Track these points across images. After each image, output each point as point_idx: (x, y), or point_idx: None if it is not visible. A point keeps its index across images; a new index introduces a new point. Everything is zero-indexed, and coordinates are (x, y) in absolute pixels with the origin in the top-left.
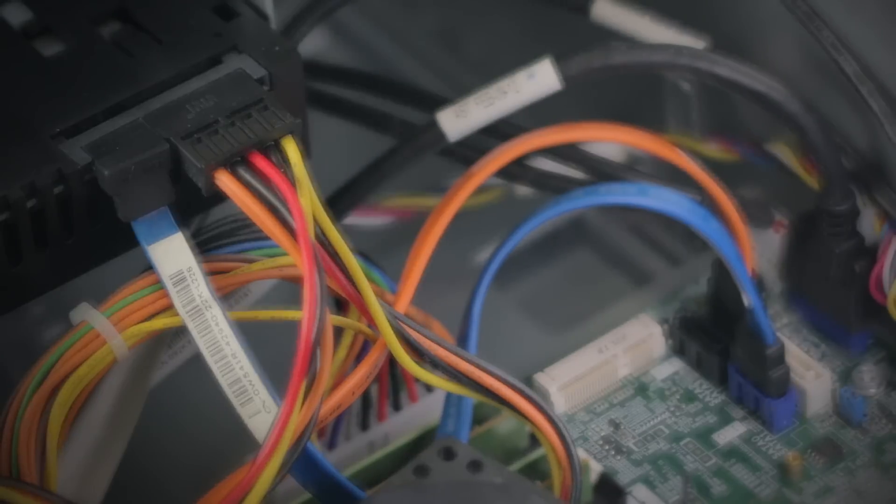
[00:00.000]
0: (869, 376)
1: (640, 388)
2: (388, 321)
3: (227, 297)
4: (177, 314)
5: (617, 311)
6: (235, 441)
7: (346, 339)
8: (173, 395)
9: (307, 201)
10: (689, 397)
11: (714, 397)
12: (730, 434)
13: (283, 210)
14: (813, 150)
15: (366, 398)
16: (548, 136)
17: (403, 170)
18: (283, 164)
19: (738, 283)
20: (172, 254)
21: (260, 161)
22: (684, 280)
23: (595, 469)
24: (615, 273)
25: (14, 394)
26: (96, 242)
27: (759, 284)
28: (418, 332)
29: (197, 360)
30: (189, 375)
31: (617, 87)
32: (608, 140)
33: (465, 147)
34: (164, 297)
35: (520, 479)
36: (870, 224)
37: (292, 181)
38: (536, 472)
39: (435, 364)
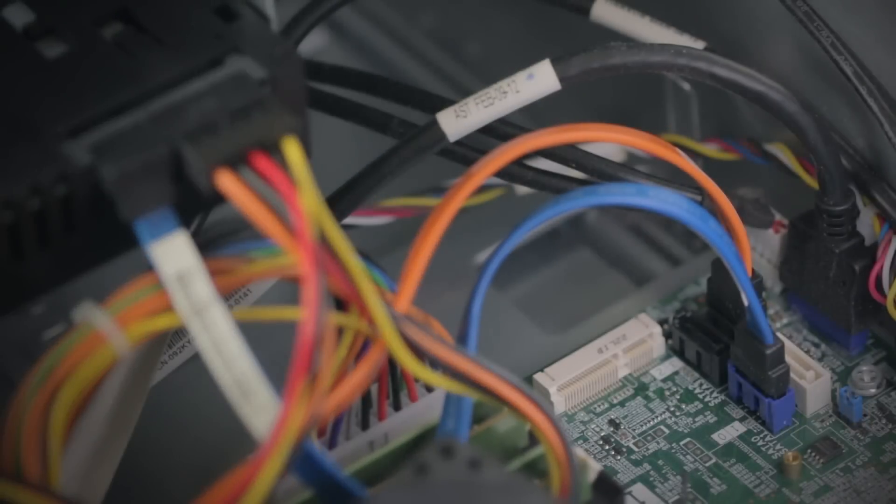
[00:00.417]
0: (868, 376)
1: (640, 387)
2: (389, 321)
3: (227, 297)
4: (178, 314)
5: (617, 311)
6: (236, 440)
7: (347, 339)
8: (174, 393)
9: (308, 201)
10: (689, 397)
11: (714, 397)
12: (729, 434)
13: (283, 210)
14: (812, 150)
15: (366, 398)
16: (548, 136)
17: (403, 170)
18: (284, 164)
19: (737, 284)
20: (173, 253)
21: (260, 161)
22: (684, 280)
23: (594, 468)
24: (615, 273)
25: (16, 393)
26: (98, 242)
27: (759, 284)
28: (418, 331)
29: (197, 359)
30: (189, 374)
31: (617, 87)
32: (608, 140)
33: (465, 147)
34: (165, 297)
35: (519, 478)
36: (869, 224)
37: (293, 181)
38: (535, 470)
39: (434, 363)
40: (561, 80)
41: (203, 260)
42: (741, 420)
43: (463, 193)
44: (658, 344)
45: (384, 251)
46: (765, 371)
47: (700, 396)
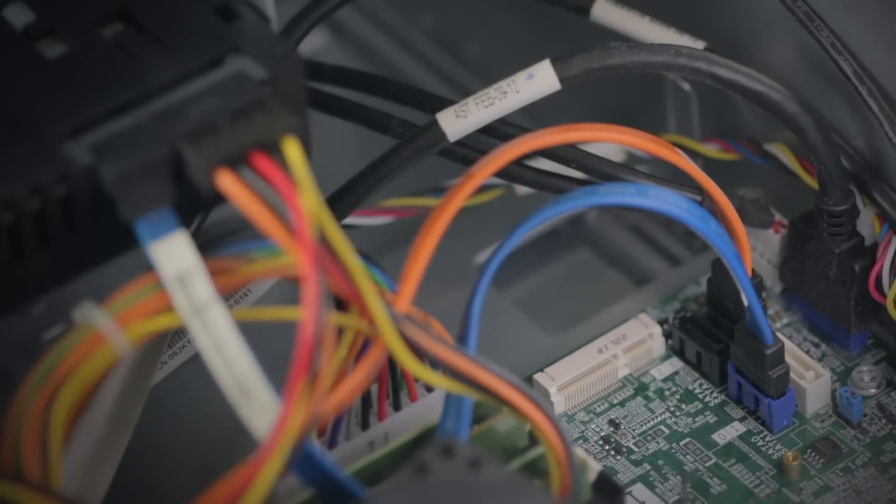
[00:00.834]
0: (868, 376)
1: (640, 387)
2: (389, 321)
3: (227, 297)
4: (178, 314)
5: (617, 311)
6: (236, 439)
7: (347, 339)
8: (174, 393)
9: (308, 201)
10: (689, 397)
11: (713, 397)
12: (729, 434)
13: (283, 210)
14: (812, 150)
15: (366, 398)
16: (548, 136)
17: (403, 170)
18: (284, 164)
19: (737, 284)
20: (174, 253)
21: (261, 161)
22: (684, 280)
23: (594, 468)
24: (615, 273)
25: (16, 393)
26: (98, 242)
27: (759, 284)
28: (418, 331)
29: (197, 359)
30: (190, 373)
31: (617, 87)
32: (608, 140)
33: (465, 147)
34: (165, 297)
35: (519, 478)
36: (869, 224)
37: (293, 181)
38: (535, 470)
39: (434, 363)
40: (561, 80)
41: (203, 260)
42: (741, 420)
43: (463, 193)
44: (658, 344)
45: (384, 251)
46: (765, 371)
47: (700, 396)
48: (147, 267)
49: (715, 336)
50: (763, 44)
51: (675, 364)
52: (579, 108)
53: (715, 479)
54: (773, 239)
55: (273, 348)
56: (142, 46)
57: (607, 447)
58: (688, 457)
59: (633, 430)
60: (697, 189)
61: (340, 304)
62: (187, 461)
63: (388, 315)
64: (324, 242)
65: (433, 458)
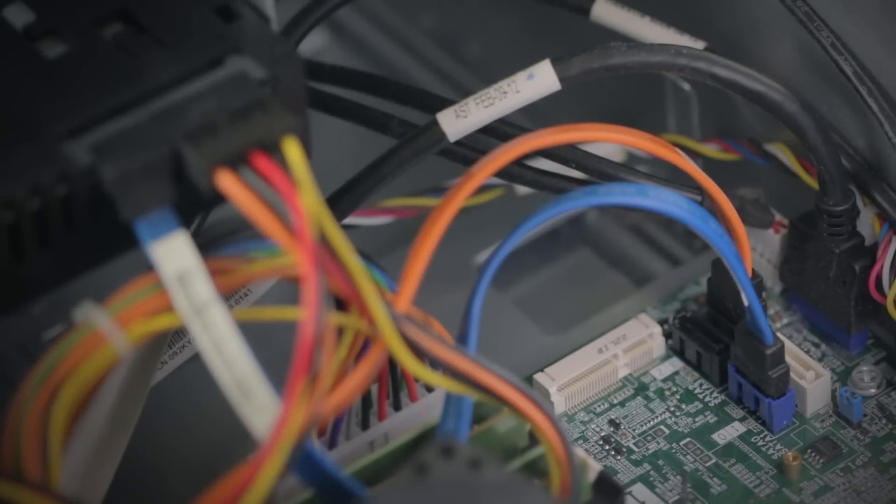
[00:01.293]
0: (868, 376)
1: (640, 387)
2: (389, 321)
3: (227, 297)
4: (178, 314)
5: (617, 311)
6: (236, 440)
7: (347, 339)
8: (174, 393)
9: (308, 201)
10: (689, 397)
11: (714, 397)
12: (729, 434)
13: (283, 210)
14: (812, 150)
15: (366, 398)
16: (548, 136)
17: (403, 170)
18: (284, 164)
19: (737, 284)
20: (174, 253)
21: (261, 161)
22: (684, 280)
23: (594, 468)
24: (615, 273)
25: (16, 393)
26: (98, 242)
27: (759, 284)
28: (418, 331)
29: (197, 359)
30: (190, 373)
31: (617, 87)
32: (608, 140)
33: (465, 147)
34: (165, 297)
35: (519, 478)
36: (869, 224)
37: (293, 181)
38: (535, 470)
39: (434, 363)
40: (561, 80)
41: (203, 260)
42: (741, 420)
43: (463, 193)
44: (658, 344)
45: (384, 251)
46: (765, 371)
47: (700, 396)
48: (147, 267)
49: (715, 336)
50: (763, 44)
51: (675, 364)
52: (579, 108)
53: (715, 479)
54: (773, 239)
55: (273, 348)
56: (142, 46)
57: (607, 447)
58: (688, 457)
59: (634, 430)
60: (697, 189)
61: (340, 304)
62: (187, 461)
63: (388, 315)
64: (324, 242)
65: (433, 458)
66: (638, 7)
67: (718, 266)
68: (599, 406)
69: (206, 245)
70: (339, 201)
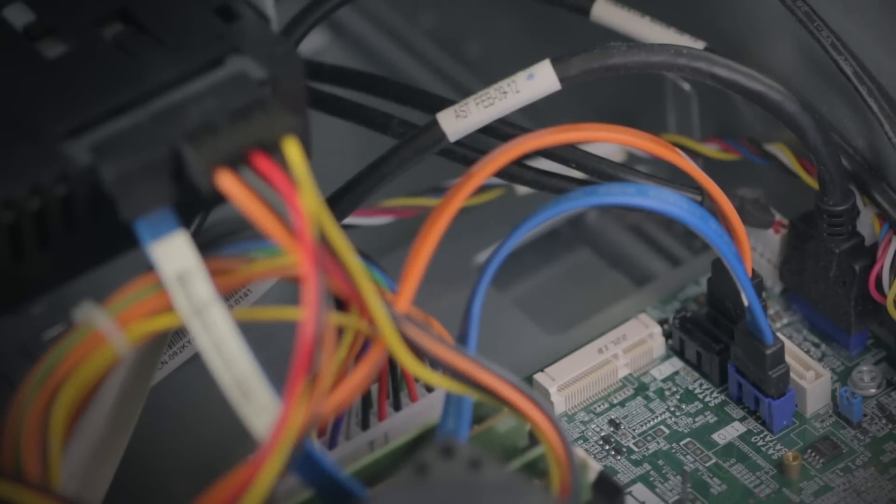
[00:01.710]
0: (868, 376)
1: (640, 387)
2: (389, 321)
3: (227, 297)
4: (178, 314)
5: (617, 311)
6: (236, 440)
7: (347, 339)
8: (174, 393)
9: (308, 201)
10: (689, 397)
11: (714, 397)
12: (729, 434)
13: (283, 210)
14: (812, 150)
15: (366, 398)
16: (548, 136)
17: (403, 170)
18: (284, 164)
19: (737, 284)
20: (174, 253)
21: (261, 161)
22: (684, 280)
23: (594, 468)
24: (615, 273)
25: (16, 393)
26: (98, 242)
27: (759, 284)
28: (418, 331)
29: (197, 359)
30: (190, 373)
31: (617, 87)
32: (608, 140)
33: (465, 147)
34: (165, 297)
35: (519, 478)
36: (869, 224)
37: (293, 181)
38: (535, 470)
39: (434, 363)
40: (561, 80)
41: (203, 260)
42: (741, 420)
43: (463, 193)
44: (658, 344)
45: (384, 251)
46: (765, 371)
47: (700, 396)
48: (147, 267)
49: (715, 336)
50: (763, 44)
51: (675, 364)
52: (579, 108)
53: (715, 479)
54: (773, 239)
55: (273, 348)
56: (142, 46)
57: (607, 447)
58: (688, 457)
59: (634, 430)
60: (697, 189)
61: (340, 304)
62: (187, 461)
63: (388, 315)
64: (324, 242)
65: (433, 458)
66: (638, 7)
67: (718, 266)
68: (599, 406)
69: (206, 245)
70: (339, 201)
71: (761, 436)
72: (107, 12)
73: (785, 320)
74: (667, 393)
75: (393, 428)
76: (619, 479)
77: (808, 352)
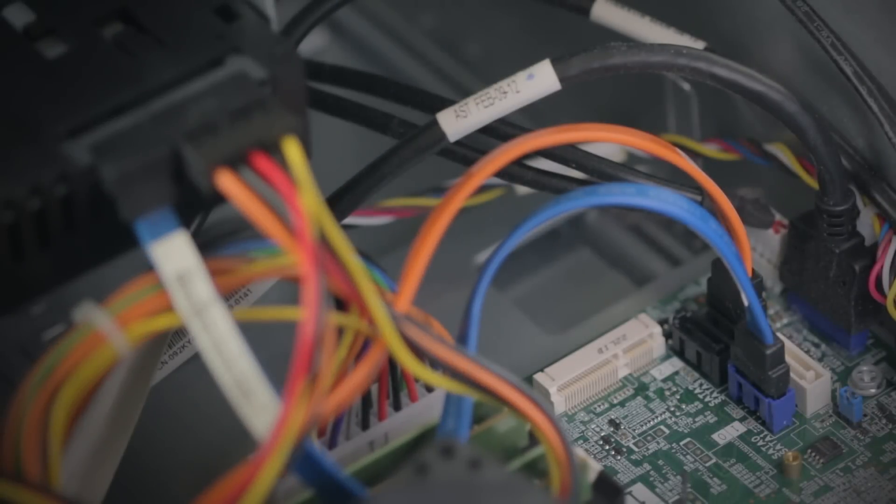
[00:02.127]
0: (868, 376)
1: (640, 387)
2: (389, 321)
3: (227, 297)
4: (178, 314)
5: (617, 311)
6: (236, 440)
7: (347, 339)
8: (174, 393)
9: (308, 201)
10: (689, 397)
11: (714, 397)
12: (729, 434)
13: (283, 210)
14: (812, 150)
15: (366, 398)
16: (548, 136)
17: (403, 170)
18: (284, 164)
19: (737, 284)
20: (174, 253)
21: (261, 161)
22: (684, 280)
23: (594, 468)
24: (615, 273)
25: (16, 393)
26: (98, 242)
27: (759, 284)
28: (418, 331)
29: (197, 359)
30: (190, 373)
31: (617, 87)
32: (608, 140)
33: (465, 147)
34: (165, 297)
35: (519, 478)
36: (869, 224)
37: (293, 181)
38: (535, 470)
39: (434, 363)
40: (561, 80)
41: (203, 260)
42: (741, 420)
43: (463, 193)
44: (658, 344)
45: (384, 251)
46: (765, 371)
47: (700, 396)
48: (147, 267)
49: (715, 336)
50: (763, 44)
51: (675, 364)
52: (579, 108)
53: (715, 479)
54: (773, 239)
55: (273, 348)
56: (142, 46)
57: (607, 447)
58: (688, 457)
59: (634, 430)
60: (697, 189)
61: (340, 304)
62: (187, 461)
63: (388, 315)
64: (324, 242)
65: (433, 458)
66: (638, 7)
67: (718, 266)
68: (599, 406)
69: (206, 245)
70: (339, 201)
71: (761, 436)
72: (107, 12)
73: (785, 320)
74: (667, 393)
75: (393, 428)
76: (619, 479)
77: (808, 352)
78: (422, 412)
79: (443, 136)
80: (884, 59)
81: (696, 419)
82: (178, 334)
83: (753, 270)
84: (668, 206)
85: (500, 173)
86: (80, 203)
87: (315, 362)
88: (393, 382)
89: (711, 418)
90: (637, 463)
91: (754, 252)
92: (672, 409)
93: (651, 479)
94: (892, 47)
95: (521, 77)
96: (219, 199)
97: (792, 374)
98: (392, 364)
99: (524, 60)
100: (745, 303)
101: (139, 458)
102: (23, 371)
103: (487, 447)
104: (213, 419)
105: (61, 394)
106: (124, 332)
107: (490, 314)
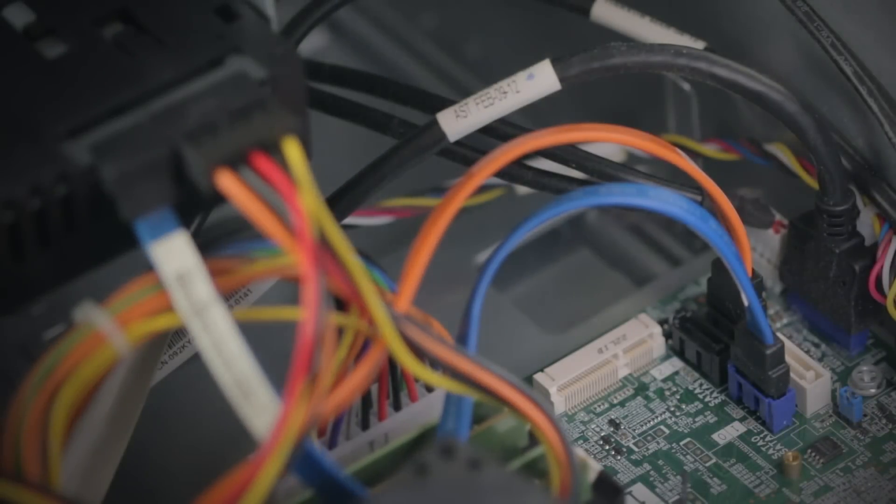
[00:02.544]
0: (868, 376)
1: (640, 387)
2: (389, 321)
3: (227, 297)
4: (178, 314)
5: (617, 311)
6: (236, 440)
7: (347, 339)
8: (174, 393)
9: (308, 201)
10: (689, 397)
11: (714, 397)
12: (729, 434)
13: (283, 210)
14: (812, 150)
15: (366, 398)
16: (548, 136)
17: (403, 170)
18: (284, 164)
19: (737, 284)
20: (174, 253)
21: (261, 161)
22: (684, 280)
23: (594, 468)
24: (615, 273)
25: (16, 393)
26: (98, 242)
27: (759, 284)
28: (418, 331)
29: (197, 359)
30: (189, 374)
31: (617, 87)
32: (608, 140)
33: (465, 147)
34: (165, 297)
35: (519, 478)
36: (869, 224)
37: (293, 181)
38: (535, 470)
39: (434, 363)
40: (561, 80)
41: (203, 260)
42: (741, 420)
43: (463, 193)
44: (658, 344)
45: (384, 251)
46: (765, 371)
47: (700, 396)
48: (147, 267)
49: (715, 336)
50: (763, 44)
51: (675, 364)
52: (579, 108)
53: (715, 479)
54: (773, 239)
55: (273, 348)
56: (142, 46)
57: (607, 447)
58: (688, 457)
59: (634, 430)
60: (697, 189)
61: (340, 304)
62: (187, 461)
63: (388, 315)
64: (324, 242)
65: (433, 458)
66: (638, 7)
67: (718, 266)
68: (599, 406)
69: (206, 245)
70: (339, 201)
71: (761, 436)
72: (107, 12)
73: (785, 320)
74: (667, 393)
75: (393, 428)
76: (619, 479)
77: (808, 352)
78: (422, 412)
79: (443, 136)
80: (884, 59)
81: (696, 419)
82: (178, 334)
83: (753, 270)
84: (668, 206)
85: (500, 173)
86: (80, 203)
87: (315, 362)
88: (393, 382)
89: (711, 418)
90: (637, 463)
91: (754, 252)
92: (672, 409)
93: (651, 479)
94: (892, 47)
95: (521, 77)
96: (219, 199)
97: (792, 374)
98: (392, 364)
99: (524, 60)
100: (745, 303)
101: (139, 458)
102: (23, 371)
103: (487, 447)
104: (213, 419)
105: (61, 394)
106: (124, 332)
107: (490, 314)
